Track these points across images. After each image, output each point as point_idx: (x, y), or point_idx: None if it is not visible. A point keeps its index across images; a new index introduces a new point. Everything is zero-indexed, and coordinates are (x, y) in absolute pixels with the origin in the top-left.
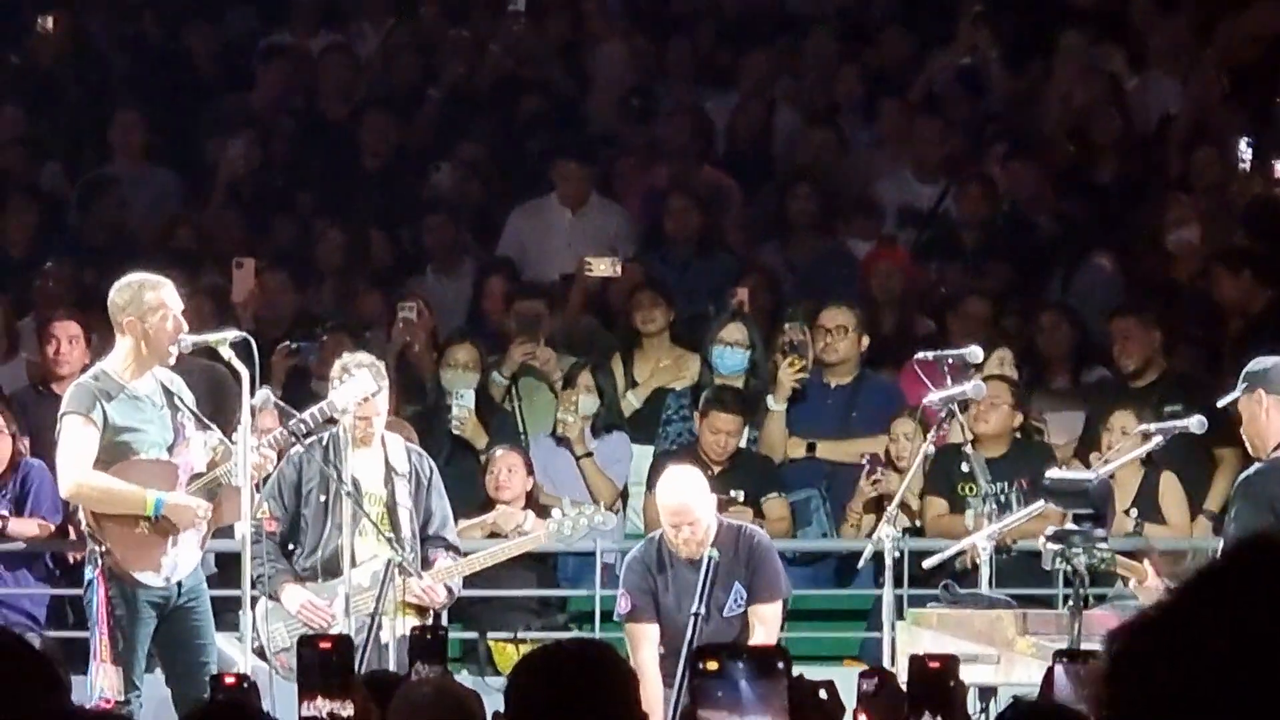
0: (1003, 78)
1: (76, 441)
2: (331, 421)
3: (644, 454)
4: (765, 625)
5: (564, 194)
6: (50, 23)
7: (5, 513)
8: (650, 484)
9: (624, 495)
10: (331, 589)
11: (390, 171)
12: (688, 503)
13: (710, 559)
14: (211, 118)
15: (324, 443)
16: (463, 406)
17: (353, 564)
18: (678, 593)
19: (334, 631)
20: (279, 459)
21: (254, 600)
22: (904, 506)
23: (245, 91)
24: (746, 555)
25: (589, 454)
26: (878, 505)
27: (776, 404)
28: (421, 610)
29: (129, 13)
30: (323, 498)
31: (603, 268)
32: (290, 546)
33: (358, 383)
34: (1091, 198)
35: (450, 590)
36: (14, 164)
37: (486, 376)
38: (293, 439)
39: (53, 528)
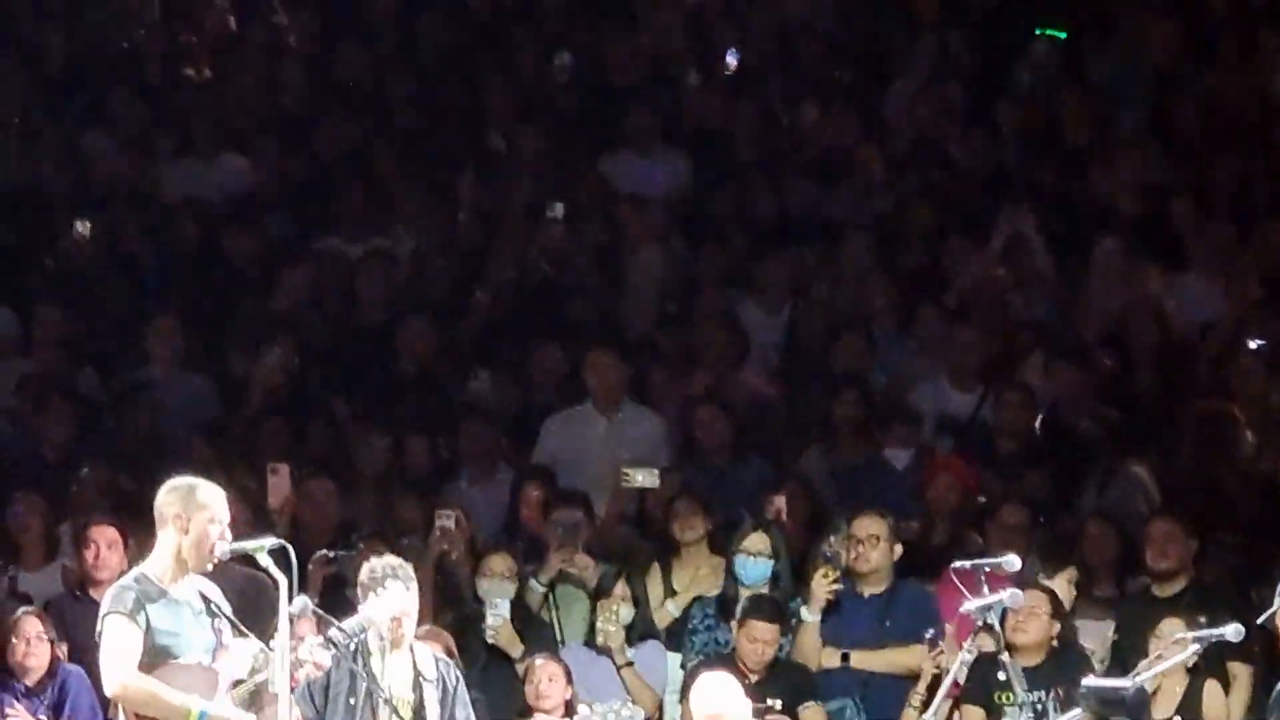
0: (1040, 284)
1: (121, 641)
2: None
3: (675, 661)
4: None
5: (598, 390)
6: (86, 227)
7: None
8: (681, 694)
9: (660, 705)
10: None
11: (428, 377)
12: (721, 710)
13: None
14: (246, 323)
15: (352, 647)
16: (498, 615)
17: None
18: None
19: None
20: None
21: None
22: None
23: (281, 296)
24: None
25: (630, 663)
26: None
27: (810, 614)
28: None
29: (165, 217)
30: (351, 700)
31: (640, 478)
32: None
33: (392, 596)
34: (1129, 404)
35: None
36: (52, 367)
37: (523, 585)
38: (330, 647)
39: None
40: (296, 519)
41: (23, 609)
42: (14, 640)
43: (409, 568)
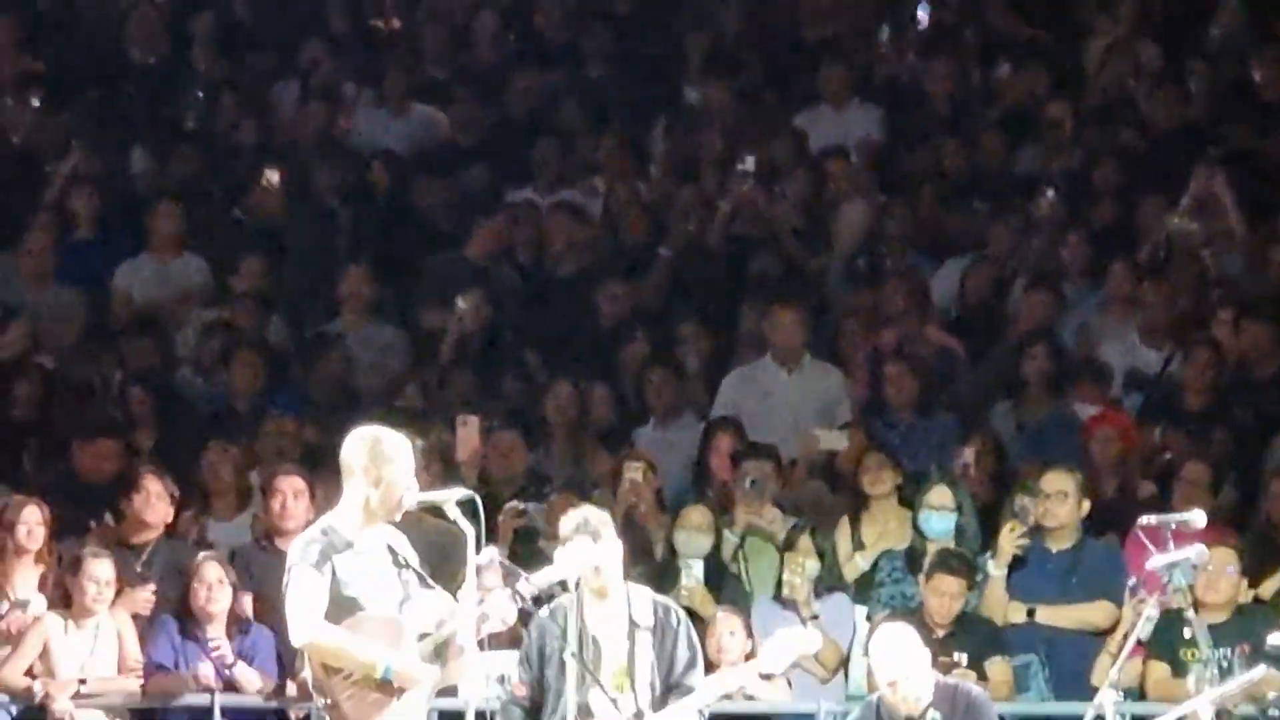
0: (1231, 242)
1: (308, 592)
2: (563, 586)
3: (862, 614)
4: None
5: (779, 344)
6: (275, 176)
7: (231, 659)
8: (867, 645)
9: (846, 658)
10: None
11: (618, 328)
12: (901, 659)
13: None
14: (437, 274)
15: (567, 606)
16: (692, 576)
17: None
18: None
19: None
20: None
21: None
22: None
23: (472, 247)
24: (964, 712)
25: (815, 616)
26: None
27: (997, 569)
28: None
29: (356, 168)
30: (563, 659)
31: (830, 440)
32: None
33: (580, 551)
34: None
35: None
36: (242, 317)
37: (719, 538)
38: (519, 600)
39: (274, 683)
40: (485, 471)
41: (203, 554)
42: (195, 585)
43: (600, 520)
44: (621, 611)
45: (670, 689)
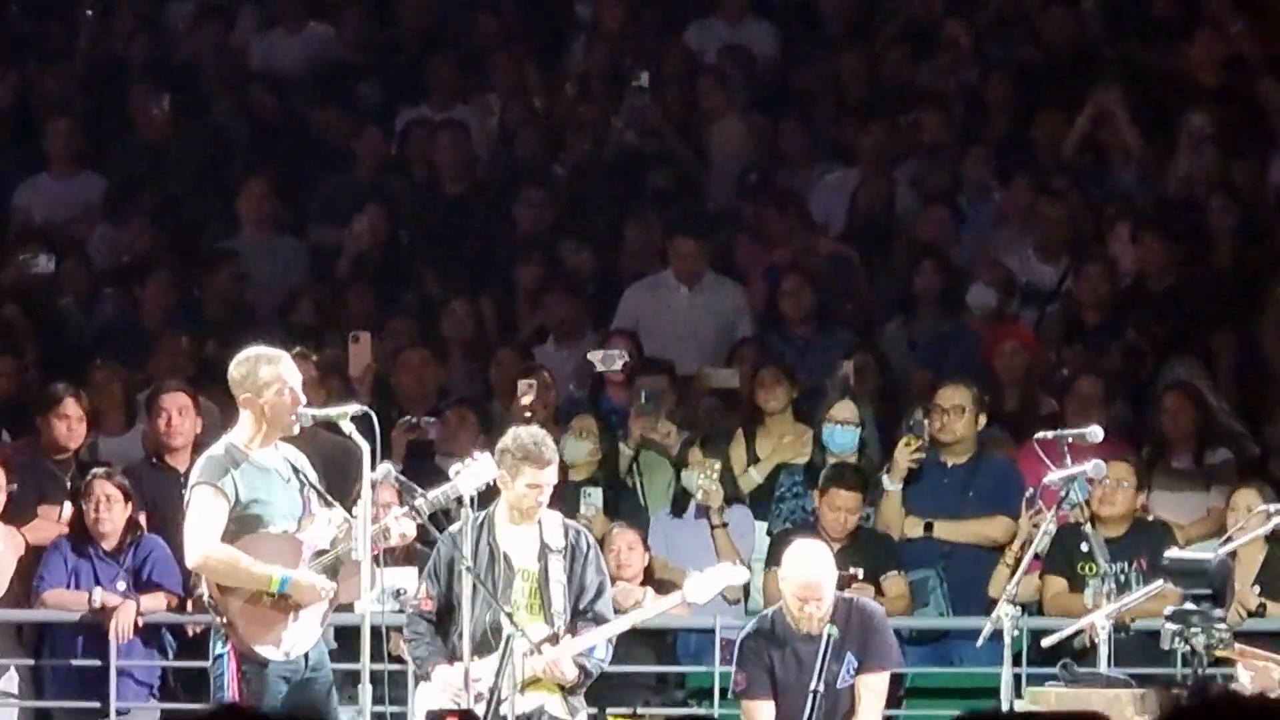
0: (1128, 157)
1: (206, 513)
2: (459, 503)
3: (761, 529)
4: (874, 695)
5: (679, 270)
6: (165, 103)
7: (123, 587)
8: (768, 560)
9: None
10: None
11: (514, 245)
12: (820, 579)
13: (829, 636)
14: (332, 192)
15: (479, 521)
16: (590, 504)
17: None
18: (794, 668)
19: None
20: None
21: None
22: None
23: (367, 165)
24: (858, 627)
25: (724, 524)
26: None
27: (892, 483)
28: (563, 687)
29: (250, 88)
30: (469, 574)
31: (721, 378)
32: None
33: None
34: (1212, 278)
35: (585, 669)
36: (138, 234)
37: (606, 445)
38: (415, 516)
39: (175, 600)
40: (388, 386)
41: (94, 471)
42: (85, 504)
43: (549, 441)
44: (533, 533)
45: (578, 614)
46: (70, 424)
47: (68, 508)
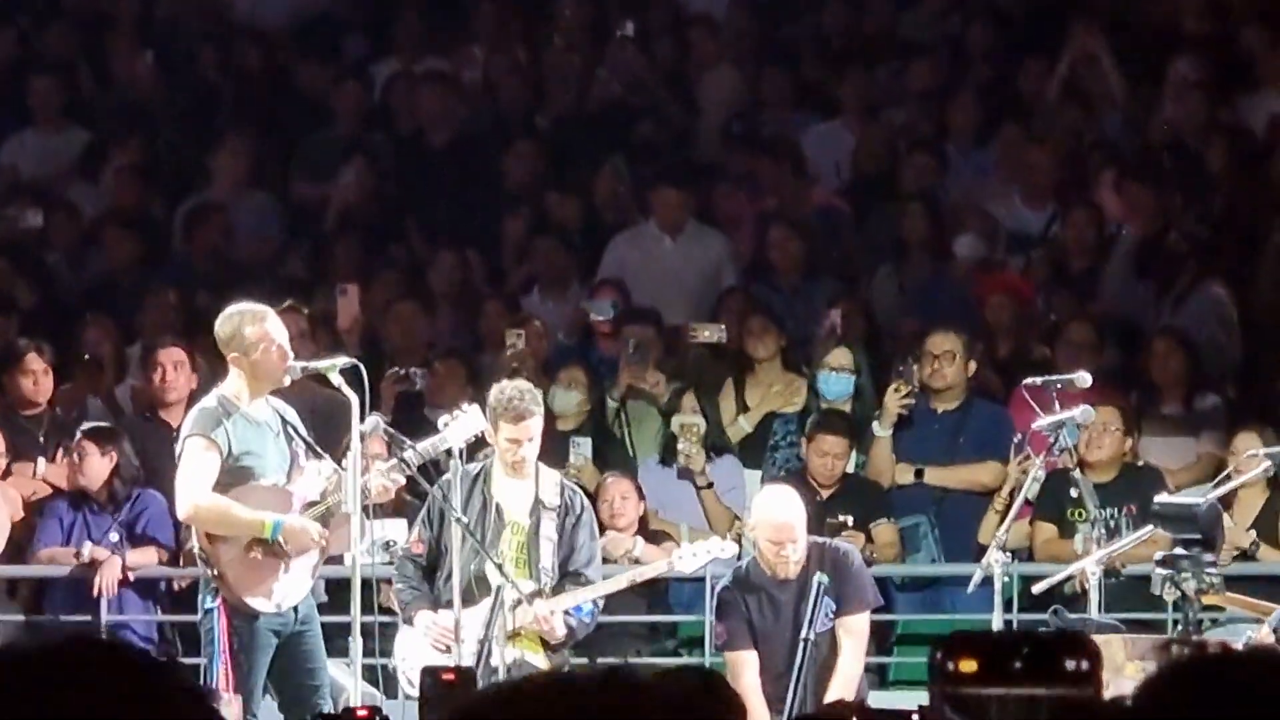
0: (1112, 103)
1: (198, 464)
2: (449, 455)
3: (753, 478)
4: (853, 636)
5: (662, 220)
6: (150, 57)
7: (116, 539)
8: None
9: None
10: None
11: (499, 196)
12: (792, 521)
13: (820, 584)
14: (314, 146)
15: (475, 472)
16: (580, 454)
17: (487, 590)
18: (771, 615)
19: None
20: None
21: (373, 627)
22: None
23: (350, 119)
24: (833, 568)
25: (710, 485)
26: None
27: (882, 430)
28: (547, 644)
29: (232, 40)
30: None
31: (707, 334)
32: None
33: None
34: (1204, 222)
35: (572, 628)
36: (124, 189)
37: (595, 395)
38: (404, 468)
39: (168, 554)
40: (376, 339)
41: (83, 427)
42: (75, 459)
43: (538, 394)
44: (529, 489)
45: (566, 576)
46: (36, 378)
47: (42, 463)
